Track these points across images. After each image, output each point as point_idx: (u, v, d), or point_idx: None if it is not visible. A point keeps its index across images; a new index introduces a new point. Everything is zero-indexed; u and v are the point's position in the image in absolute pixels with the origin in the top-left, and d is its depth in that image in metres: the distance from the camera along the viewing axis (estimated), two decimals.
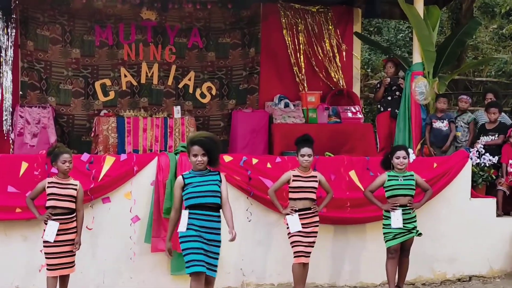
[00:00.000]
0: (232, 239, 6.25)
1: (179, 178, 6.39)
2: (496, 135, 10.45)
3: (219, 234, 6.27)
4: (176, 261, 8.45)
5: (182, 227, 6.16)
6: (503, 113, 11.05)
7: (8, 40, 10.67)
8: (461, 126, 10.86)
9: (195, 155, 6.18)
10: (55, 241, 7.03)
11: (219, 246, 6.30)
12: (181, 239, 6.20)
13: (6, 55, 10.63)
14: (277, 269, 8.64)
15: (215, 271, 6.29)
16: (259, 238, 8.80)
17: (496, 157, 10.19)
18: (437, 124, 10.72)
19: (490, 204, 9.87)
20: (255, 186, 8.75)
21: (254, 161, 8.90)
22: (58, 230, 7.03)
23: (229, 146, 11.21)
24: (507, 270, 9.66)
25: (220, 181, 6.34)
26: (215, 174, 6.36)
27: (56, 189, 7.14)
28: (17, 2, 10.69)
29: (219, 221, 6.27)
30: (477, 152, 10.16)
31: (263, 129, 11.14)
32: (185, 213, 6.20)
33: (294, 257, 7.76)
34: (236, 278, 8.76)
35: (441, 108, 10.85)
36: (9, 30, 10.68)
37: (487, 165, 10.11)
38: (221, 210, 6.33)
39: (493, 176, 10.18)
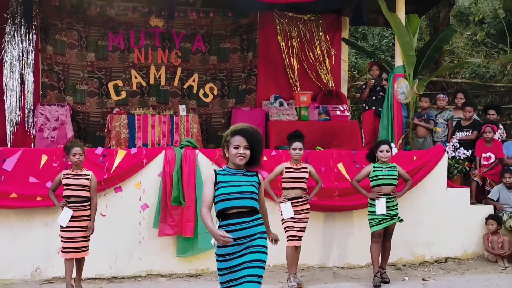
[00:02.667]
0: (273, 239, 5.23)
1: (211, 172, 4.87)
2: (470, 131, 10.47)
3: (263, 238, 4.77)
4: (181, 244, 8.48)
5: (214, 243, 4.68)
6: (476, 111, 11.08)
7: (30, 45, 10.66)
8: (441, 122, 10.90)
9: (237, 147, 4.70)
10: (70, 227, 7.06)
11: (264, 252, 4.74)
12: (218, 257, 4.73)
13: (28, 58, 10.62)
14: (272, 252, 8.53)
15: (259, 282, 4.68)
16: None
17: (470, 151, 10.21)
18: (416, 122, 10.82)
19: (464, 193, 9.88)
20: None
21: None
22: (73, 217, 7.05)
23: None
24: (479, 252, 9.66)
25: (259, 183, 4.87)
26: (253, 175, 4.85)
27: (70, 180, 7.16)
28: (37, 10, 10.76)
29: (260, 224, 4.79)
30: (453, 146, 10.19)
31: (260, 126, 11.10)
32: (216, 226, 4.64)
33: (287, 241, 7.76)
34: None
35: (423, 106, 10.89)
36: (30, 35, 10.68)
37: (462, 158, 10.13)
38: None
39: (467, 168, 10.21)
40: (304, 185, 7.85)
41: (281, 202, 7.82)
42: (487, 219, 9.62)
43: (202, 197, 4.77)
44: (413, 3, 11.43)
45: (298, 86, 11.87)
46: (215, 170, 4.84)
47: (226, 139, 4.79)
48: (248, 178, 4.78)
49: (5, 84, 10.52)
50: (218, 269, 4.72)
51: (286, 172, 7.91)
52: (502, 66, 15.67)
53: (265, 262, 4.69)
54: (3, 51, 10.55)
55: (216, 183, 4.70)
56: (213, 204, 4.68)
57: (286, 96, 11.66)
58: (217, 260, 4.71)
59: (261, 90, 11.81)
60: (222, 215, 4.67)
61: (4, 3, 10.53)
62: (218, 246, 4.63)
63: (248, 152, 4.69)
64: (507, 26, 16.09)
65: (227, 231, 4.49)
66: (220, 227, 4.59)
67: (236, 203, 4.64)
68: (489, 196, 10.04)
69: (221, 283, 4.70)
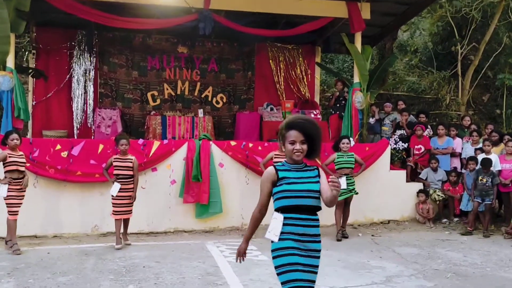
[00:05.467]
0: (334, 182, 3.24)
1: (270, 169, 3.32)
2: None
3: (320, 242, 3.27)
4: (199, 209, 8.49)
5: (273, 236, 3.20)
6: (410, 115, 11.10)
7: (91, 65, 10.72)
8: (388, 123, 10.89)
9: (292, 142, 3.22)
10: (118, 196, 7.07)
11: (319, 257, 3.26)
12: (274, 252, 3.22)
13: (89, 74, 10.71)
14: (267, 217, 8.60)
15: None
16: (253, 194, 8.70)
17: (406, 144, 10.22)
18: (371, 121, 10.84)
19: (402, 174, 9.89)
20: (251, 161, 8.73)
21: (250, 145, 8.88)
22: (121, 189, 7.06)
23: (234, 135, 11.16)
24: (412, 216, 9.68)
25: (319, 176, 3.29)
26: (313, 169, 3.32)
27: (119, 162, 7.17)
28: (97, 40, 10.75)
29: (319, 226, 3.30)
30: (394, 141, 10.18)
31: (256, 125, 11.10)
32: (278, 218, 3.22)
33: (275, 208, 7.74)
34: (238, 220, 8.75)
35: (374, 111, 10.96)
36: (91, 58, 10.73)
37: (400, 149, 10.14)
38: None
39: (404, 156, 10.23)
40: None
41: None
42: (418, 192, 9.64)
43: (259, 200, 3.41)
44: (367, 37, 11.40)
45: (284, 96, 11.85)
46: (275, 166, 3.32)
47: (281, 133, 3.33)
48: (309, 174, 3.28)
49: (73, 93, 10.55)
50: (276, 267, 3.19)
51: (275, 157, 7.88)
52: (430, 83, 15.66)
53: (318, 267, 3.26)
54: (72, 69, 10.56)
55: (278, 179, 3.25)
56: (272, 200, 3.32)
57: (275, 103, 11.62)
58: (274, 257, 3.20)
59: (257, 99, 11.77)
60: (283, 210, 3.22)
61: (72, 34, 10.55)
62: (280, 239, 3.19)
63: (305, 146, 3.23)
64: (434, 54, 16.08)
65: (291, 225, 3.16)
66: (285, 219, 3.18)
67: (299, 202, 3.19)
68: (420, 176, 10.04)
69: (282, 283, 3.17)
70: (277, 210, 3.25)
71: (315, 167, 3.34)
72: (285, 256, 3.14)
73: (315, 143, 3.26)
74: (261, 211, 3.40)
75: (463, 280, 5.75)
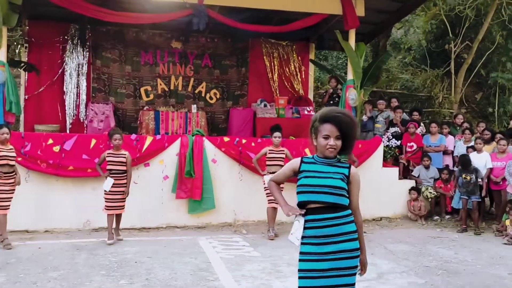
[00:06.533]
0: (361, 265, 3.07)
1: (297, 159, 3.13)
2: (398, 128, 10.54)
3: (352, 240, 2.92)
4: (192, 205, 8.48)
5: (295, 239, 2.98)
6: (404, 113, 11.13)
7: (84, 59, 10.65)
8: (381, 120, 10.90)
9: (326, 137, 2.93)
10: (111, 191, 7.04)
11: (353, 257, 2.92)
12: (299, 255, 2.98)
13: (82, 69, 10.64)
14: (258, 211, 8.63)
15: None
16: (246, 190, 8.79)
17: (399, 141, 10.25)
18: (363, 118, 10.85)
19: (394, 171, 9.93)
20: (244, 157, 8.73)
21: (244, 141, 8.88)
22: (114, 184, 7.03)
23: (227, 131, 11.15)
24: (404, 214, 9.73)
25: (348, 176, 2.97)
26: (345, 166, 3.00)
27: (112, 157, 7.14)
28: (90, 34, 10.69)
29: (349, 222, 2.94)
30: (387, 138, 10.21)
31: (250, 121, 11.08)
32: (300, 221, 2.97)
33: (268, 203, 7.76)
34: (230, 216, 8.75)
35: (368, 109, 10.96)
36: (84, 53, 10.65)
37: (393, 146, 10.17)
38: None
39: (397, 153, 10.26)
40: (282, 163, 7.80)
41: (265, 175, 7.83)
42: (410, 190, 9.68)
43: (277, 173, 3.31)
44: (361, 34, 11.40)
45: (277, 92, 11.82)
46: (302, 158, 3.09)
47: (314, 125, 3.02)
48: (337, 170, 2.97)
49: (65, 87, 10.48)
50: (299, 270, 2.96)
51: (269, 153, 7.92)
52: (423, 81, 15.72)
53: (356, 267, 2.95)
54: (64, 63, 10.49)
55: (299, 171, 3.03)
56: (296, 194, 3.03)
57: (269, 99, 11.61)
58: (300, 260, 2.97)
59: (251, 95, 11.74)
60: (303, 208, 2.99)
61: (65, 28, 10.47)
62: (302, 243, 2.96)
63: (339, 142, 2.94)
64: (427, 52, 16.13)
65: (311, 228, 2.92)
66: (305, 222, 2.95)
67: (317, 198, 2.91)
68: (412, 173, 10.09)
69: (300, 287, 2.94)
70: (298, 205, 3.01)
71: (349, 165, 3.03)
72: (304, 262, 2.94)
73: (350, 139, 2.97)
74: (276, 183, 3.29)
75: (453, 277, 5.79)
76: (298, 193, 3.00)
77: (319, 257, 2.89)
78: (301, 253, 2.96)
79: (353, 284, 2.94)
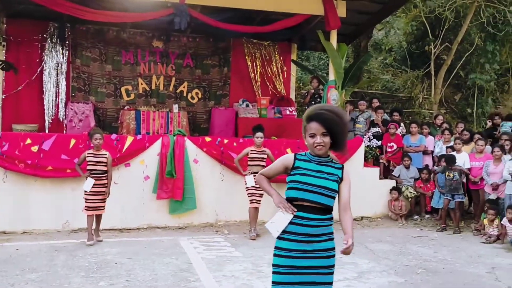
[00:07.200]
0: (346, 251, 2.90)
1: (290, 155, 3.12)
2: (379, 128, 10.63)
3: (330, 240, 2.97)
4: (173, 205, 8.44)
5: (274, 231, 2.95)
6: (385, 113, 11.23)
7: (63, 58, 10.52)
8: (362, 121, 10.97)
9: (312, 135, 2.96)
10: (92, 192, 6.96)
11: (333, 256, 2.97)
12: (276, 250, 2.97)
13: (61, 68, 10.50)
14: (239, 211, 8.62)
15: None
16: (228, 190, 8.77)
17: (380, 141, 10.33)
18: None
19: (375, 171, 10.00)
20: (226, 158, 8.71)
21: (226, 141, 8.86)
22: (94, 185, 6.95)
23: (209, 131, 11.12)
24: (385, 213, 9.81)
25: (342, 178, 3.07)
26: (338, 167, 3.07)
27: (92, 157, 7.06)
28: (69, 33, 10.57)
29: (330, 225, 3.00)
30: (368, 138, 10.29)
31: (232, 121, 11.08)
32: (284, 213, 2.95)
33: (250, 203, 7.76)
34: (212, 217, 8.73)
35: (349, 109, 11.00)
36: (64, 51, 10.53)
37: (374, 146, 10.25)
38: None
39: (378, 153, 10.34)
40: (263, 163, 7.81)
41: (246, 175, 7.82)
42: (391, 189, 9.76)
43: (268, 168, 3.22)
44: (342, 35, 11.48)
45: (259, 92, 11.82)
46: (295, 155, 3.08)
47: (303, 125, 3.05)
48: (330, 170, 3.01)
49: (44, 86, 10.35)
50: (275, 265, 2.94)
51: (250, 153, 7.91)
52: (404, 82, 15.89)
53: (333, 266, 2.98)
54: (43, 62, 10.35)
55: (293, 167, 3.01)
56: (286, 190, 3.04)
57: (251, 99, 11.61)
58: (276, 255, 2.95)
59: (233, 95, 11.71)
60: (291, 201, 2.98)
61: (44, 26, 10.34)
62: (279, 238, 2.95)
63: (327, 139, 2.94)
64: (408, 53, 16.31)
65: (297, 224, 2.90)
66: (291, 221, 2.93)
67: (309, 197, 2.91)
68: (392, 173, 10.18)
69: (274, 282, 2.92)
70: (287, 199, 2.98)
71: (342, 166, 3.07)
72: (280, 257, 2.91)
73: (337, 134, 2.94)
74: (265, 178, 3.21)
75: (433, 275, 5.86)
76: (289, 188, 2.98)
77: (296, 254, 2.88)
78: (278, 248, 2.95)
79: (331, 283, 2.94)
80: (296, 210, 2.92)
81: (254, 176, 7.67)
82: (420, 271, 6.04)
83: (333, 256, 2.96)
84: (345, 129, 3.01)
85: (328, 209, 2.95)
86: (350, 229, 2.97)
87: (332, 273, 2.96)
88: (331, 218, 2.97)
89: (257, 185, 7.65)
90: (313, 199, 2.91)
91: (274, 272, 2.93)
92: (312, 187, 2.92)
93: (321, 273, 2.91)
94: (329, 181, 2.95)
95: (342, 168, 3.06)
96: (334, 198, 2.97)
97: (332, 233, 2.98)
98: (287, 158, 3.08)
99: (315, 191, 2.91)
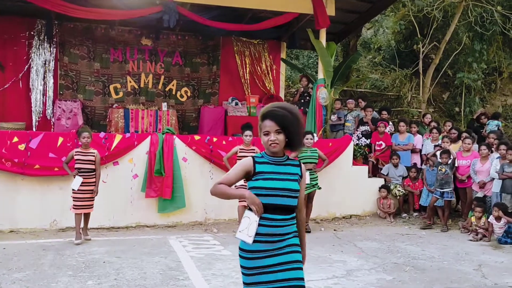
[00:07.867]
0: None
1: (249, 159, 2.97)
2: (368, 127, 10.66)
3: (295, 237, 2.95)
4: (162, 204, 8.41)
5: (246, 237, 2.84)
6: (374, 111, 11.27)
7: (51, 56, 10.46)
8: (350, 119, 10.99)
9: (267, 133, 2.91)
10: (80, 190, 6.92)
11: (298, 252, 2.93)
12: (242, 252, 2.90)
13: (49, 65, 10.44)
14: (228, 210, 8.62)
15: (304, 286, 2.90)
16: None
17: (369, 140, 10.38)
18: (332, 118, 10.89)
19: (364, 169, 10.04)
20: (215, 156, 8.70)
21: (215, 139, 8.85)
22: (82, 183, 6.91)
23: (198, 130, 11.09)
24: (374, 211, 9.85)
25: (301, 176, 2.98)
26: (296, 165, 3.00)
27: (80, 156, 7.02)
28: (57, 30, 10.51)
29: (294, 224, 2.96)
30: (357, 137, 10.32)
31: (221, 119, 11.07)
32: (251, 218, 2.84)
33: (239, 201, 7.74)
34: (201, 215, 8.72)
35: (337, 107, 11.00)
36: (51, 49, 10.48)
37: (363, 145, 10.29)
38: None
39: (367, 152, 10.38)
40: None
41: None
42: (379, 188, 9.82)
43: (226, 176, 3.00)
44: (331, 34, 11.52)
45: (249, 91, 11.83)
46: (253, 157, 2.97)
47: (259, 124, 3.03)
48: (290, 169, 2.95)
49: (32, 84, 10.26)
50: (243, 267, 2.91)
51: (239, 152, 7.90)
52: (392, 81, 15.96)
53: (301, 262, 2.96)
54: (31, 59, 10.27)
55: (254, 172, 2.91)
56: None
57: (240, 98, 11.62)
58: (242, 257, 2.90)
59: (222, 93, 11.72)
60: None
61: (32, 23, 10.25)
62: (254, 241, 2.85)
63: (281, 137, 2.88)
64: (396, 52, 16.38)
65: (263, 225, 2.83)
66: (259, 219, 2.86)
67: (276, 201, 2.85)
68: (381, 172, 10.23)
69: (245, 283, 2.91)
70: (250, 208, 2.87)
71: (298, 161, 3.01)
72: (249, 260, 2.87)
73: (290, 132, 2.88)
74: (227, 186, 2.97)
75: (421, 273, 5.91)
76: (254, 194, 2.87)
77: (264, 254, 2.85)
78: (243, 250, 2.89)
79: (303, 279, 2.91)
80: (262, 211, 2.86)
81: None
82: (408, 268, 6.08)
83: (299, 252, 2.95)
84: (299, 126, 2.95)
85: (292, 209, 2.93)
86: (304, 243, 3.04)
87: (301, 268, 2.93)
88: (294, 218, 2.96)
89: (245, 184, 7.69)
90: (280, 202, 2.86)
91: (244, 274, 2.91)
92: (277, 191, 2.86)
93: (291, 269, 2.87)
94: (292, 182, 2.91)
95: (300, 165, 3.01)
96: (297, 198, 2.94)
97: (296, 231, 2.97)
98: (246, 163, 2.96)
99: (280, 195, 2.86)
